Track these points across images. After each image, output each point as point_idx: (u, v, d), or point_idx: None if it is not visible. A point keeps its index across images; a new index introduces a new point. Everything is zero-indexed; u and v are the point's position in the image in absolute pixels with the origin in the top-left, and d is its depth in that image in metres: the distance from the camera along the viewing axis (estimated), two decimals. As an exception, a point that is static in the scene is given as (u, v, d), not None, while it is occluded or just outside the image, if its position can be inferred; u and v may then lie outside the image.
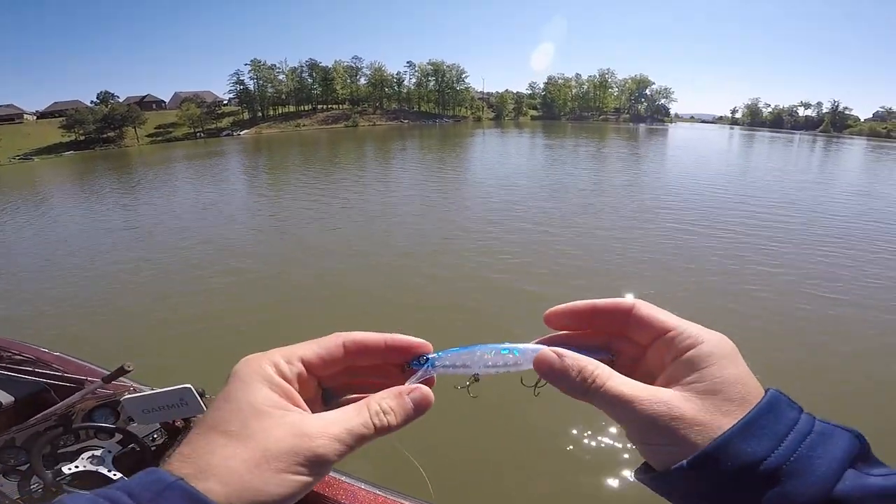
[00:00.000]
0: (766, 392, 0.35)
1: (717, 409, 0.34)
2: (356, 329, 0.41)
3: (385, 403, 0.39)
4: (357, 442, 0.37)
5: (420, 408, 0.40)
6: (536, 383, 0.43)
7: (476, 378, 0.43)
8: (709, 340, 0.37)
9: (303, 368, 0.39)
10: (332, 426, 0.36)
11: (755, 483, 0.31)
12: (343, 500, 1.75)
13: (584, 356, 0.39)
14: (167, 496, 0.30)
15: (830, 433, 0.33)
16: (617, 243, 10.17)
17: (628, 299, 0.42)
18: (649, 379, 0.39)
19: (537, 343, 0.44)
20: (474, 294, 7.51)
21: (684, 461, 0.33)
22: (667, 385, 0.37)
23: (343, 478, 1.81)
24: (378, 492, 1.77)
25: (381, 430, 0.38)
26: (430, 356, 0.42)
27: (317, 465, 0.35)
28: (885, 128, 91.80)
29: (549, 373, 0.40)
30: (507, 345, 0.43)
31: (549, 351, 0.40)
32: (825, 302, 7.14)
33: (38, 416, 2.10)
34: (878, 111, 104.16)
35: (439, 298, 7.53)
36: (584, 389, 0.38)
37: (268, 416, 0.36)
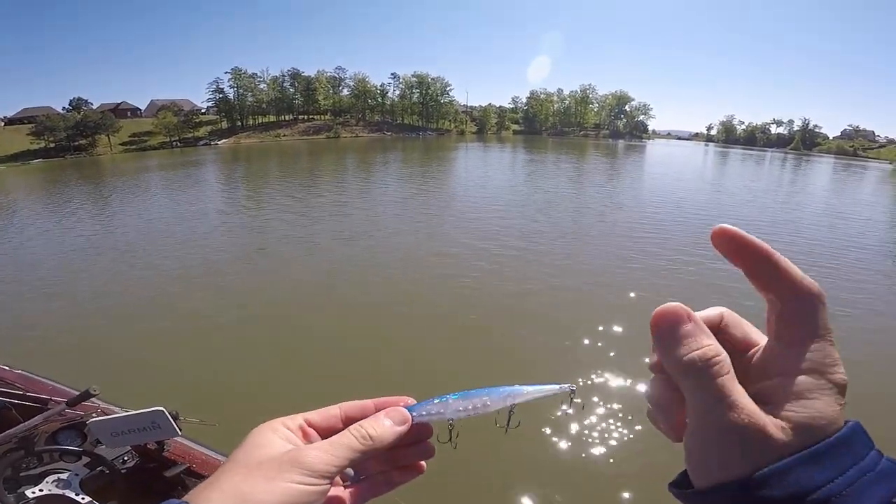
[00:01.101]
0: (845, 424, 0.33)
1: (799, 441, 0.32)
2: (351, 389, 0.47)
3: (365, 422, 0.45)
4: (344, 452, 0.41)
5: (398, 421, 0.45)
6: (508, 422, 0.47)
7: (451, 423, 0.47)
8: (833, 369, 0.34)
9: (304, 423, 0.45)
10: (319, 442, 0.43)
11: None
12: None
13: (710, 333, 0.36)
14: None
15: (890, 472, 0.32)
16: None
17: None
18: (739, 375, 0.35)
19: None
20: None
21: (736, 480, 0.32)
22: (763, 399, 0.34)
23: None
24: None
25: (364, 439, 0.43)
26: (409, 407, 0.47)
27: (305, 471, 0.39)
28: (853, 146, 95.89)
29: (672, 331, 0.35)
30: (476, 390, 0.47)
31: (679, 306, 0.36)
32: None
33: (-2, 438, 1.99)
34: (846, 129, 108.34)
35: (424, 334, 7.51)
36: (695, 367, 0.34)
37: (266, 447, 0.41)
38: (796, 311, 0.34)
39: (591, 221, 15.43)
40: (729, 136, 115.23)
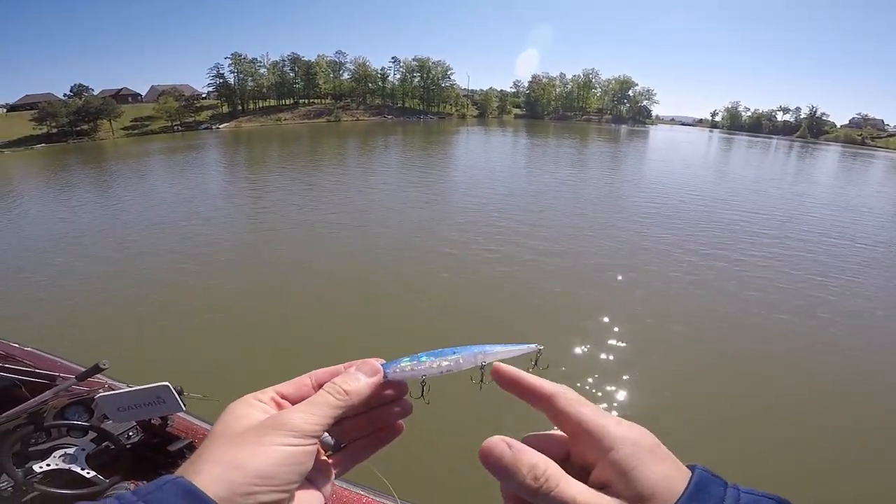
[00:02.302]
0: (692, 473, 0.36)
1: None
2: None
3: (338, 379, 0.45)
4: (324, 410, 0.41)
5: (369, 372, 0.45)
6: (481, 379, 0.48)
7: (424, 380, 0.48)
8: (627, 440, 0.37)
9: (277, 395, 0.45)
10: (297, 405, 0.43)
11: None
12: None
13: (533, 451, 0.38)
14: (166, 489, 0.34)
15: (756, 501, 0.34)
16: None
17: (549, 386, 0.42)
18: (583, 469, 0.39)
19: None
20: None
21: None
22: (599, 488, 0.36)
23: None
24: (362, 492, 1.79)
25: (340, 395, 0.43)
26: (383, 364, 0.47)
27: (290, 432, 0.38)
28: (861, 135, 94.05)
29: (498, 467, 0.37)
30: (448, 349, 0.48)
31: (499, 440, 0.38)
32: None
33: (8, 413, 2.05)
34: (854, 118, 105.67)
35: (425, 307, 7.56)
36: (535, 490, 0.36)
37: (244, 417, 0.41)
38: (554, 412, 0.41)
39: (599, 204, 15.42)
40: (734, 123, 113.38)
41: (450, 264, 8.99)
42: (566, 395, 0.41)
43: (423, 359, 0.47)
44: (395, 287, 8.05)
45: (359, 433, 0.49)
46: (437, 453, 4.11)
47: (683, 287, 8.26)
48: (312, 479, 0.43)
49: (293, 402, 0.45)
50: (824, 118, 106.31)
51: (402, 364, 0.47)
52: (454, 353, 0.48)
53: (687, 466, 0.37)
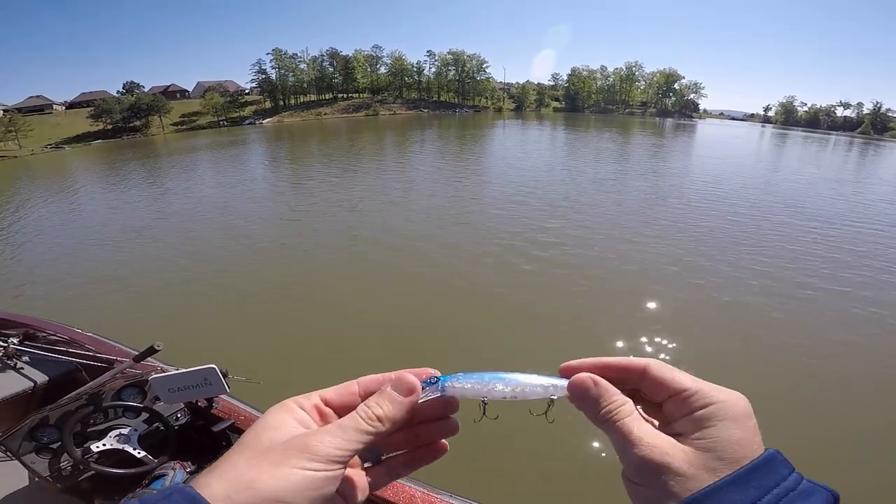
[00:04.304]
0: (765, 451, 0.37)
1: (704, 465, 0.36)
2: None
3: (371, 400, 0.42)
4: (353, 435, 0.39)
5: (404, 391, 0.42)
6: (546, 411, 0.46)
7: (484, 403, 0.45)
8: (721, 401, 0.38)
9: (320, 402, 0.43)
10: (328, 426, 0.40)
11: None
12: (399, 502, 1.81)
13: (615, 389, 0.42)
14: (173, 498, 0.33)
15: (812, 492, 0.35)
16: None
17: (640, 360, 0.43)
18: (665, 429, 0.40)
19: (562, 375, 0.46)
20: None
21: None
22: (673, 436, 0.39)
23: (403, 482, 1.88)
24: (433, 494, 1.80)
25: (371, 420, 0.41)
26: (440, 377, 0.45)
27: (313, 456, 0.37)
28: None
29: (582, 396, 0.43)
30: (516, 375, 0.45)
31: (587, 376, 0.43)
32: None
33: (70, 394, 2.17)
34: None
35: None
36: (604, 419, 0.41)
37: (276, 428, 0.39)
38: (650, 382, 0.42)
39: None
40: (788, 118, 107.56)
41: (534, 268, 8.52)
42: (659, 363, 0.43)
43: (486, 378, 0.44)
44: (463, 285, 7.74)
45: (399, 447, 0.46)
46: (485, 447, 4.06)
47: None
48: (343, 492, 0.41)
49: (337, 410, 0.43)
50: (890, 114, 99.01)
51: (462, 381, 0.44)
52: (518, 379, 0.44)
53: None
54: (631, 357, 0.44)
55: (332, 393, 0.44)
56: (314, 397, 0.43)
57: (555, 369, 0.46)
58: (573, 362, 0.46)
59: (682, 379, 0.40)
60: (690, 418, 0.38)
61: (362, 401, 0.43)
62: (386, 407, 0.42)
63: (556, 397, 0.45)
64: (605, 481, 3.66)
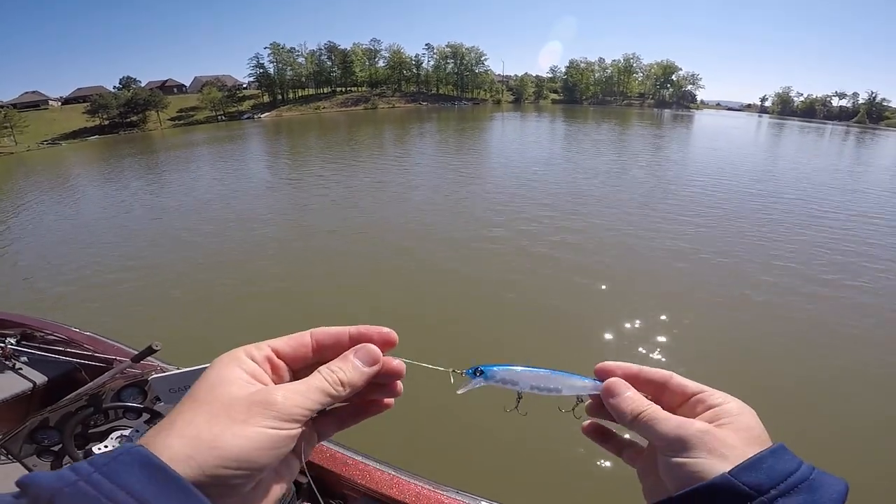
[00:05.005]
0: (775, 444, 0.40)
1: (741, 439, 0.39)
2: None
3: (334, 364, 0.42)
4: (317, 396, 0.39)
5: (368, 361, 0.43)
6: (574, 408, 0.50)
7: (520, 396, 0.49)
8: (733, 402, 0.43)
9: (272, 354, 0.42)
10: (289, 384, 0.40)
11: None
12: (359, 481, 1.78)
13: (642, 396, 0.47)
14: (121, 459, 0.31)
15: (822, 481, 0.36)
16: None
17: (660, 371, 0.48)
18: None
19: (596, 379, 0.50)
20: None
21: (702, 484, 0.37)
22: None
23: (360, 458, 1.86)
24: (394, 473, 1.78)
25: (336, 384, 0.41)
26: (483, 367, 0.47)
27: (276, 415, 0.36)
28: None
29: (613, 400, 0.47)
30: (554, 372, 0.49)
31: (621, 382, 0.48)
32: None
33: (70, 395, 2.13)
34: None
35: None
36: (634, 418, 0.45)
37: (231, 383, 0.38)
38: (671, 391, 0.47)
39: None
40: (785, 108, 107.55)
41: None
42: (679, 375, 0.48)
43: (519, 370, 0.48)
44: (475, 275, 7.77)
45: (345, 400, 0.46)
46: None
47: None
48: (296, 448, 0.41)
49: (289, 363, 0.43)
50: (885, 103, 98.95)
51: (501, 371, 0.48)
52: (554, 376, 0.48)
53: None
54: (651, 369, 0.49)
55: (284, 344, 0.43)
56: (265, 348, 0.42)
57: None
58: (609, 364, 0.50)
59: (698, 386, 0.46)
60: (708, 414, 0.42)
61: (314, 354, 0.44)
62: (350, 373, 0.42)
63: (587, 396, 0.49)
64: (606, 481, 3.65)
